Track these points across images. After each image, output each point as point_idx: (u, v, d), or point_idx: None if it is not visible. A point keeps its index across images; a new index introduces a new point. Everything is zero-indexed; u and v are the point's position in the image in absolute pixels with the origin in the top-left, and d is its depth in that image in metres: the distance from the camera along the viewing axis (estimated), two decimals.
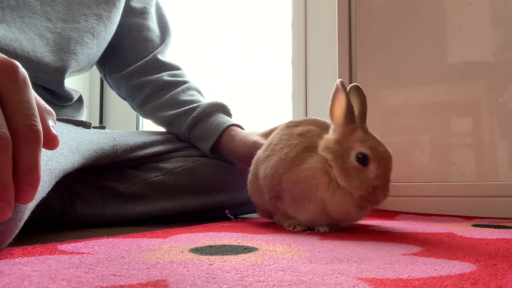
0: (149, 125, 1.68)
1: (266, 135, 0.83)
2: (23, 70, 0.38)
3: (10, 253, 0.40)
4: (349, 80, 1.03)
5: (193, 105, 0.94)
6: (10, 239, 0.41)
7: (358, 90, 0.61)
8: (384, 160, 0.57)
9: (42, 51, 0.75)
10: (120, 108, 1.65)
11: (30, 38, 0.74)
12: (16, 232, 0.42)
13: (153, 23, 1.03)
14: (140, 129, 1.64)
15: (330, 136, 0.61)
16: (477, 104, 0.95)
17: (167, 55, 1.04)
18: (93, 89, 1.67)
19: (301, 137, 0.63)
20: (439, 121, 0.97)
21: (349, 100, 0.58)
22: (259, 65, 1.57)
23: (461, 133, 0.97)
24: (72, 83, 0.85)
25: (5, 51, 0.69)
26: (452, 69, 0.97)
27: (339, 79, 0.59)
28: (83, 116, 0.91)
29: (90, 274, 0.32)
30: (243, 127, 0.94)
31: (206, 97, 1.02)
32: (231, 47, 1.61)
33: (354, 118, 0.59)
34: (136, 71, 0.99)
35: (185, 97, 0.97)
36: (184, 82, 1.00)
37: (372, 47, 1.03)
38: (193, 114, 0.92)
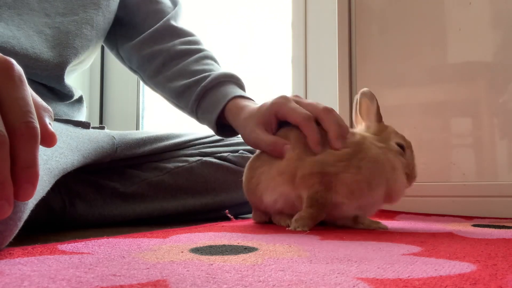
0: (149, 125, 1.69)
1: (262, 122, 0.72)
2: (18, 67, 0.38)
3: (10, 253, 0.40)
4: (349, 80, 1.03)
5: (204, 74, 0.86)
6: (10, 239, 0.41)
7: (372, 94, 0.69)
8: (411, 149, 0.68)
9: (41, 47, 0.75)
10: (120, 108, 1.66)
11: (28, 35, 0.74)
12: (16, 231, 0.42)
13: None
14: (140, 130, 1.64)
15: (365, 131, 0.69)
16: (477, 104, 0.95)
17: (180, 21, 0.98)
18: (93, 89, 1.67)
19: None
20: (439, 121, 0.97)
21: (378, 103, 0.69)
22: (259, 65, 1.57)
23: (461, 133, 0.97)
24: (72, 83, 0.84)
25: (3, 49, 0.69)
26: (452, 69, 0.97)
27: (366, 89, 0.69)
28: (83, 116, 0.91)
29: (90, 274, 0.32)
30: (253, 100, 0.83)
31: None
32: (231, 47, 1.61)
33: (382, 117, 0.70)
34: (147, 39, 0.93)
35: (197, 66, 0.89)
36: (199, 50, 0.93)
37: (372, 47, 1.03)
38: (203, 84, 0.84)
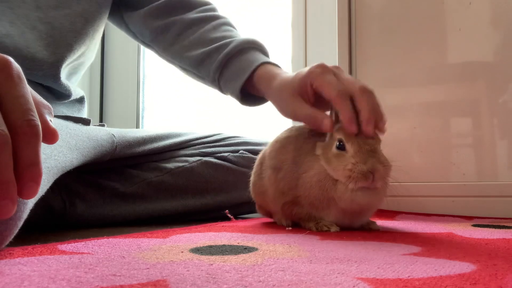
0: (149, 125, 1.68)
1: (299, 93, 0.67)
2: (16, 65, 0.38)
3: (10, 253, 0.40)
4: None
5: (226, 41, 0.81)
6: (10, 239, 0.41)
7: None
8: (359, 138, 0.58)
9: (35, 45, 0.73)
10: (120, 108, 1.66)
11: (21, 32, 0.72)
12: (16, 231, 0.42)
13: None
14: (140, 128, 1.64)
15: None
16: (477, 104, 0.95)
17: None
18: (93, 89, 1.67)
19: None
20: (439, 121, 0.97)
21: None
22: None
23: (461, 133, 0.97)
24: (72, 83, 0.84)
25: None
26: (452, 69, 0.97)
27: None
28: (84, 116, 0.91)
29: (90, 274, 0.32)
30: (281, 67, 0.79)
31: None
32: None
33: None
34: (160, 9, 0.88)
35: (216, 33, 0.84)
36: (216, 17, 0.88)
37: (372, 47, 1.03)
38: (225, 51, 0.80)
